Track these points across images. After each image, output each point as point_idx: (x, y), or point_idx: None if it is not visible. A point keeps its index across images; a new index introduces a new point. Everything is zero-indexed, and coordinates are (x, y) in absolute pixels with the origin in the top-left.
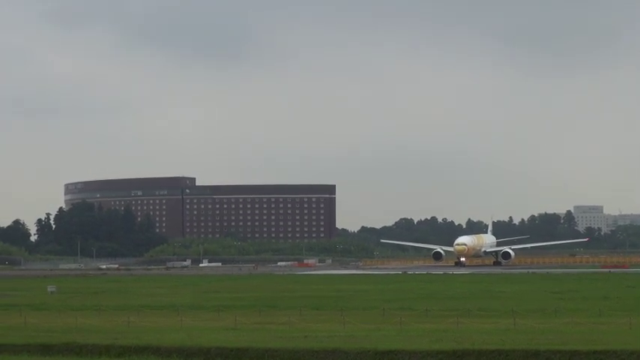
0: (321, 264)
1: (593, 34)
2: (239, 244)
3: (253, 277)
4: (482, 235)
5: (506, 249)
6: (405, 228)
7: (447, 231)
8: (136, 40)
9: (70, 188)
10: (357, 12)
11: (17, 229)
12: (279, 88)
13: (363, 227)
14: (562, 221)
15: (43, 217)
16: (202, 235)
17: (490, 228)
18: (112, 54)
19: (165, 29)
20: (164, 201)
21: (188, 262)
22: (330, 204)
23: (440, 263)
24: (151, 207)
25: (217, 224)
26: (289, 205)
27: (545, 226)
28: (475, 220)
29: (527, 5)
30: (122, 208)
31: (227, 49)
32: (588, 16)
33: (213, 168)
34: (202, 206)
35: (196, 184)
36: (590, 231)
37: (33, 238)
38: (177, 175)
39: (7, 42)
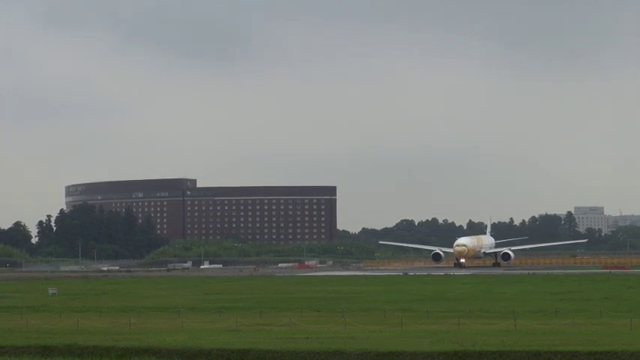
0: (322, 265)
1: (595, 35)
2: (240, 245)
3: (254, 278)
4: (481, 236)
5: (506, 250)
6: (405, 229)
7: (448, 232)
8: (136, 41)
9: (70, 190)
10: (356, 12)
11: (18, 231)
12: (279, 89)
13: (363, 229)
14: (563, 222)
15: (44, 219)
16: (203, 237)
17: (489, 229)
18: (112, 54)
19: (165, 30)
20: (165, 203)
21: (189, 264)
22: (331, 205)
23: (439, 264)
24: (152, 209)
25: (218, 226)
26: (290, 207)
27: (545, 227)
28: (476, 222)
29: (529, 5)
30: (123, 210)
31: (227, 50)
32: (589, 16)
33: (214, 169)
34: (203, 208)
35: (197, 185)
36: (590, 232)
37: (34, 240)
38: (178, 177)
39: (6, 42)
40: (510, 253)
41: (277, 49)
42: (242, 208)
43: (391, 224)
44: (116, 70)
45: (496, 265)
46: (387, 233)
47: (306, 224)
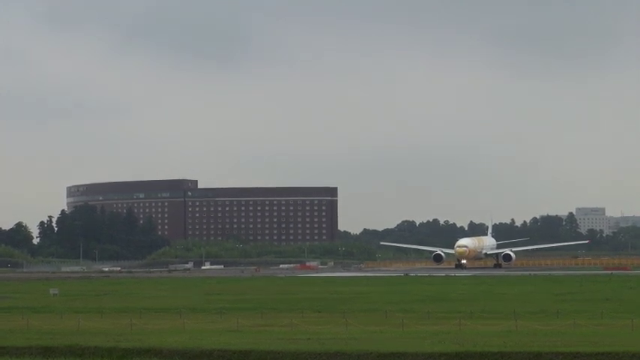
0: (323, 266)
1: (595, 35)
2: (241, 246)
3: (255, 279)
4: (482, 237)
5: (507, 251)
6: (407, 230)
7: (449, 233)
8: (136, 41)
9: (72, 191)
10: (356, 12)
11: (19, 231)
12: (279, 89)
13: (365, 229)
14: (564, 223)
15: (45, 219)
16: (204, 238)
17: (490, 230)
18: (112, 54)
19: (164, 30)
20: (166, 203)
21: (190, 265)
22: (332, 206)
23: (440, 265)
24: (153, 209)
25: (219, 227)
26: (291, 208)
27: (547, 228)
28: (477, 223)
29: (528, 6)
30: (124, 211)
31: (227, 50)
32: (589, 16)
33: (215, 170)
34: (204, 209)
35: (198, 186)
36: (592, 233)
37: (35, 240)
38: (180, 178)
39: (6, 42)
40: (511, 254)
41: (277, 49)
42: (243, 208)
43: (392, 225)
44: (116, 70)
45: (497, 266)
46: (388, 234)
47: (307, 225)
